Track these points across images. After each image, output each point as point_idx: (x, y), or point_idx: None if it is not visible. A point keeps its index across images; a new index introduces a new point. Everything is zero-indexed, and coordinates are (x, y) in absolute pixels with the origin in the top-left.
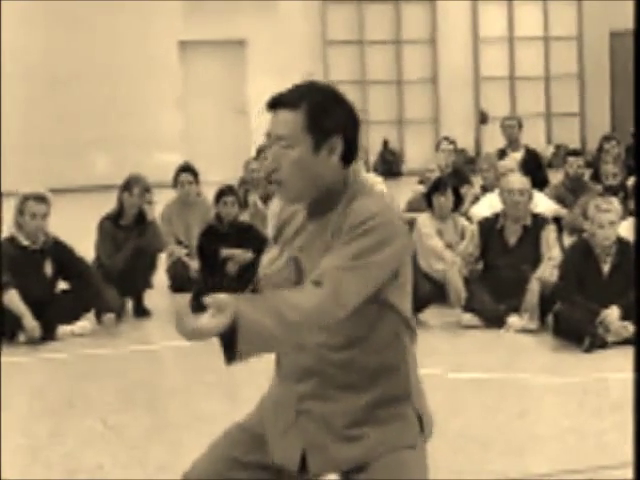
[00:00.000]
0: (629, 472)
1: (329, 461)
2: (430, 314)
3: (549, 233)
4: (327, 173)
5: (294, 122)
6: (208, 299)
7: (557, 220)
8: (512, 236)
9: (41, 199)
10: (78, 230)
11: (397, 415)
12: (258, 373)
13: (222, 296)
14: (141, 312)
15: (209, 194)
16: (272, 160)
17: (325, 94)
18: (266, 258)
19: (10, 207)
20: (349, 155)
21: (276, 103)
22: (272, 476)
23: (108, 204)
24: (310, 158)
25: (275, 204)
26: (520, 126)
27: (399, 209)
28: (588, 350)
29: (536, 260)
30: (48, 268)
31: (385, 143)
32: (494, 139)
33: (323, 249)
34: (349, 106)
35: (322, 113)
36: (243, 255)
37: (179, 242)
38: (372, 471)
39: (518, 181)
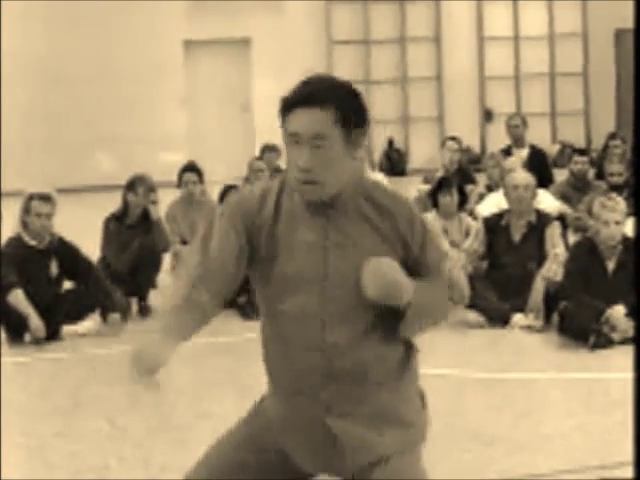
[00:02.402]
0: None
1: (369, 453)
2: None
3: (554, 230)
4: (351, 167)
5: (326, 120)
6: None
7: (562, 218)
8: (517, 233)
9: (46, 199)
10: (83, 230)
11: (410, 411)
12: (264, 374)
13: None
14: (146, 312)
15: (214, 193)
16: (308, 159)
17: (348, 90)
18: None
19: (11, 207)
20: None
21: (304, 101)
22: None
23: (113, 204)
24: (342, 155)
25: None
26: (525, 124)
27: None
28: (593, 348)
29: (541, 257)
30: (53, 268)
31: (390, 142)
32: (499, 137)
33: (370, 246)
34: (363, 99)
35: (349, 110)
36: None
37: (184, 242)
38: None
39: (522, 177)
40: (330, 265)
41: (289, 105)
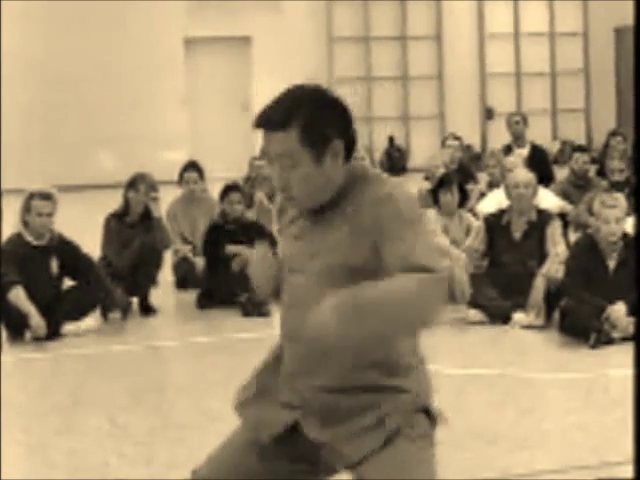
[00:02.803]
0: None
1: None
2: None
3: (554, 229)
4: (335, 176)
5: (289, 141)
6: None
7: (562, 216)
8: (517, 231)
9: (47, 197)
10: (84, 228)
11: (394, 406)
12: None
13: None
14: (147, 309)
15: (215, 191)
16: (279, 179)
17: (313, 104)
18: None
19: (11, 204)
20: (349, 151)
21: (266, 124)
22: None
23: (114, 202)
24: (315, 170)
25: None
26: (526, 122)
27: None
28: (594, 346)
29: (541, 255)
30: (54, 266)
31: (391, 139)
32: (500, 135)
33: (342, 241)
34: (339, 105)
35: (315, 126)
36: (249, 252)
37: (185, 240)
38: (375, 463)
39: (523, 175)
40: (304, 261)
41: (256, 126)
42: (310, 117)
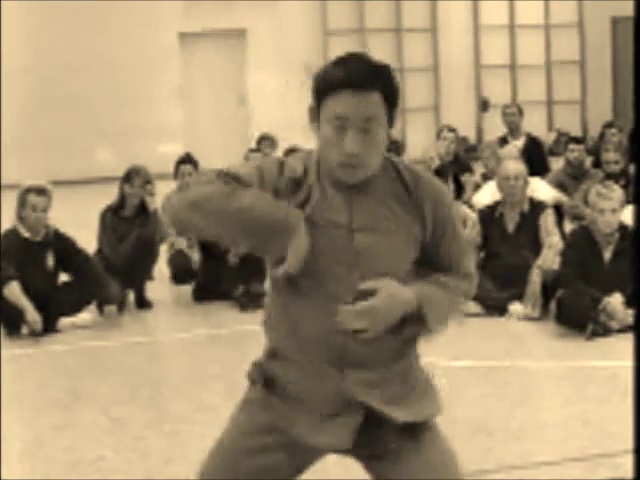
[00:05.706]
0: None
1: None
2: None
3: (547, 218)
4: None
5: (376, 102)
6: None
7: (558, 207)
8: (511, 223)
9: (42, 191)
10: (80, 222)
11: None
12: None
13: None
14: (143, 303)
15: None
16: (357, 144)
17: (388, 69)
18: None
19: (10, 200)
20: None
21: (353, 83)
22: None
23: (109, 196)
24: (385, 136)
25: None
26: (521, 113)
27: None
28: (590, 337)
29: (536, 246)
30: (49, 260)
31: None
32: (495, 127)
33: (397, 230)
34: None
35: (393, 89)
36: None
37: (180, 233)
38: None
39: (512, 167)
40: (356, 248)
41: (335, 87)
42: (390, 81)
